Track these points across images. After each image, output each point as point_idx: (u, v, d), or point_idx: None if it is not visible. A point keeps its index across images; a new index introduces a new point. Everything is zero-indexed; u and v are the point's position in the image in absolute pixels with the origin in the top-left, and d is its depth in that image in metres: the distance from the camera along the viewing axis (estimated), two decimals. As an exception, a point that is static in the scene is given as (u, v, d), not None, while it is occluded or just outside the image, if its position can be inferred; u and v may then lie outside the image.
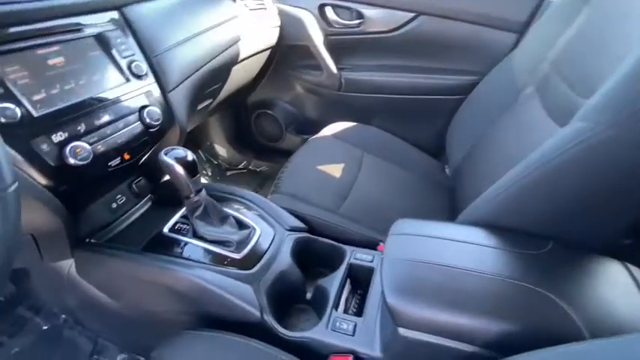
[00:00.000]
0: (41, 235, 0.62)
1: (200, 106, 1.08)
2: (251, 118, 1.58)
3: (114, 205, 0.77)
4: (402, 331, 0.51)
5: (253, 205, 0.81)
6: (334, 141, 1.15)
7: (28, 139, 0.53)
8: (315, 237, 0.79)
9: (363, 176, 1.05)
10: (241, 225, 0.74)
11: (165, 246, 0.69)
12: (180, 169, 0.63)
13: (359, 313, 0.68)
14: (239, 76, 1.19)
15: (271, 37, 1.26)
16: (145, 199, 0.85)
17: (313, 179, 1.00)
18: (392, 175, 1.07)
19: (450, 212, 0.97)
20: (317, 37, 1.26)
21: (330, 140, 1.16)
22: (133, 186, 0.81)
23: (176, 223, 0.73)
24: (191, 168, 0.64)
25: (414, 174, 1.10)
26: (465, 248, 0.55)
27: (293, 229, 0.78)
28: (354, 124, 1.24)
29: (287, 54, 1.37)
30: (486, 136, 0.94)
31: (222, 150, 1.65)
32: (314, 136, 1.20)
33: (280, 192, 0.94)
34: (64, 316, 0.99)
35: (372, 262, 0.73)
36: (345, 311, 0.66)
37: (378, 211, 0.93)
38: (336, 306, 0.65)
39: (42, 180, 0.55)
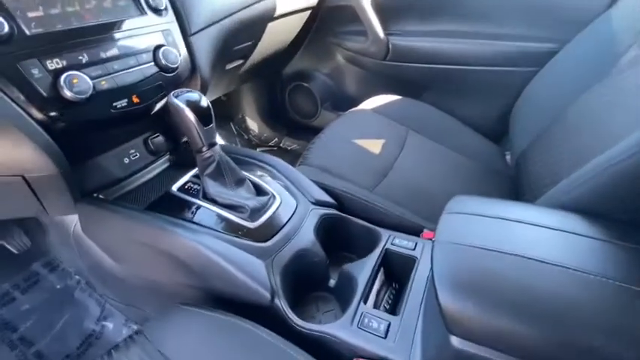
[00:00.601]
0: (36, 182, 0.55)
1: (230, 66, 0.98)
2: (285, 90, 1.47)
3: (126, 161, 0.70)
4: (455, 341, 0.37)
5: (276, 171, 0.70)
6: (375, 115, 1.01)
7: (16, 60, 0.45)
8: (345, 215, 0.66)
9: (406, 155, 0.89)
10: (259, 191, 0.63)
11: (171, 207, 0.60)
12: (190, 115, 0.52)
13: (393, 310, 0.54)
14: (274, 37, 1.08)
15: (313, -3, 1.13)
16: (163, 158, 0.77)
17: (348, 153, 0.87)
18: (441, 158, 0.91)
19: (512, 202, 0.80)
20: (364, -5, 1.11)
21: (371, 114, 1.01)
22: (149, 142, 0.73)
23: (186, 183, 0.64)
24: (204, 115, 0.54)
25: (468, 158, 0.92)
26: (549, 235, 0.40)
27: (319, 204, 0.66)
28: (400, 97, 1.08)
29: (328, 17, 1.23)
30: (566, 114, 0.75)
31: (253, 124, 1.56)
32: (352, 109, 1.06)
33: (309, 164, 0.82)
34: (77, 277, 0.96)
35: (413, 249, 0.58)
36: (376, 306, 0.53)
37: (421, 194, 0.77)
38: (364, 299, 0.52)
39: (32, 110, 0.47)
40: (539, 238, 0.40)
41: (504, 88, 1.04)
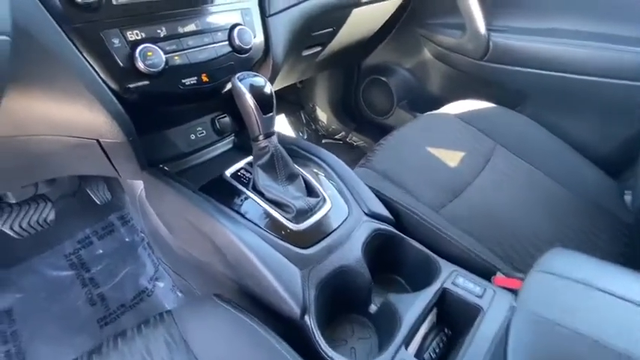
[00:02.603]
0: (108, 147, 0.59)
1: (307, 52, 0.94)
2: (361, 83, 1.39)
3: (192, 137, 0.71)
4: None
5: (332, 172, 0.64)
6: (458, 122, 0.88)
7: (100, 28, 0.46)
8: (403, 235, 0.57)
9: (488, 174, 0.76)
10: (310, 191, 0.58)
11: (221, 191, 0.58)
12: (251, 101, 0.49)
13: (440, 363, 0.45)
14: (358, 25, 1.01)
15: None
16: (228, 139, 0.77)
17: (417, 161, 0.77)
18: (533, 184, 0.75)
19: (626, 260, 0.62)
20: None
21: (453, 120, 0.89)
22: (216, 121, 0.73)
23: (240, 170, 0.62)
24: (266, 103, 0.50)
25: (570, 190, 0.75)
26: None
27: (374, 216, 0.59)
28: (491, 105, 0.92)
29: (421, 7, 1.10)
30: None
31: (322, 115, 1.52)
32: (431, 112, 0.94)
33: (371, 166, 0.75)
34: (142, 234, 1.04)
35: (480, 297, 0.47)
36: (418, 355, 0.44)
37: (500, 227, 0.64)
38: (407, 342, 0.44)
39: (107, 79, 0.48)
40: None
41: (633, 108, 0.81)
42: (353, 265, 0.51)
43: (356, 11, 0.93)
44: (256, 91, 0.50)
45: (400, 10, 1.11)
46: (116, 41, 0.47)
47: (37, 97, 0.45)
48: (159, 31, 0.51)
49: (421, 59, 1.20)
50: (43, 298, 0.90)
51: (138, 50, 0.48)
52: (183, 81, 0.55)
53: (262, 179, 0.54)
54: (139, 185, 0.76)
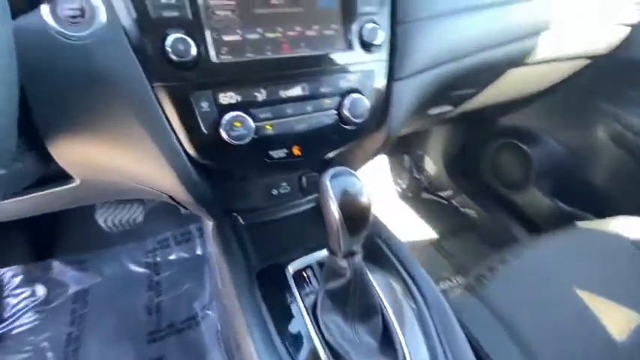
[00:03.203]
0: (180, 199, 0.54)
1: (434, 111, 0.77)
2: (490, 143, 1.12)
3: (274, 192, 0.63)
4: None
5: (424, 306, 0.46)
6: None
7: (191, 90, 0.39)
8: None
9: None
10: (388, 337, 0.41)
11: (276, 294, 0.47)
12: (337, 213, 0.36)
13: None
14: (509, 87, 0.78)
15: (604, 41, 0.74)
16: (312, 196, 0.67)
17: (558, 307, 0.53)
18: None
19: None
20: None
21: (630, 249, 0.60)
22: (303, 179, 0.63)
23: (308, 268, 0.50)
24: (357, 219, 0.36)
25: None
26: None
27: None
28: None
29: (612, 73, 0.80)
30: None
31: (431, 165, 1.31)
32: (594, 225, 0.66)
33: (482, 296, 0.54)
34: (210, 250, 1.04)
35: None
36: None
37: None
38: None
39: (186, 144, 0.41)
40: None
41: None
42: None
43: (513, 71, 0.71)
44: (348, 202, 0.36)
45: (577, 74, 0.83)
46: (205, 105, 0.40)
47: (111, 147, 0.41)
48: (257, 94, 0.42)
49: (589, 137, 0.89)
50: (116, 289, 0.96)
51: (225, 119, 0.40)
52: (270, 153, 0.46)
53: (326, 311, 0.40)
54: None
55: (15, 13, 0.29)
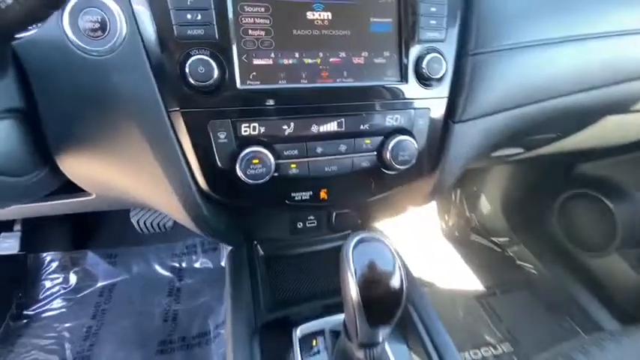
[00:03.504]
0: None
1: (499, 153, 0.65)
2: (561, 193, 0.95)
3: (299, 225, 0.56)
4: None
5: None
6: None
7: (209, 118, 0.34)
8: None
9: None
10: None
11: (279, 353, 0.40)
12: (355, 296, 0.28)
13: None
14: (602, 134, 0.63)
15: None
16: (344, 234, 0.60)
17: None
18: None
19: None
20: None
21: None
22: (333, 217, 0.56)
23: (317, 335, 0.42)
24: (381, 306, 0.28)
25: None
26: None
27: None
28: None
29: None
30: None
31: (485, 205, 1.15)
32: None
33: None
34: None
35: None
36: None
37: None
38: None
39: (198, 177, 0.36)
40: None
41: None
42: None
43: (610, 118, 0.57)
44: (372, 282, 0.28)
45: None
46: (222, 136, 0.34)
47: (118, 170, 0.37)
48: (284, 127, 0.36)
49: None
50: (139, 288, 0.96)
51: (243, 154, 0.34)
52: (292, 195, 0.39)
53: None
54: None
55: (32, 20, 0.26)
